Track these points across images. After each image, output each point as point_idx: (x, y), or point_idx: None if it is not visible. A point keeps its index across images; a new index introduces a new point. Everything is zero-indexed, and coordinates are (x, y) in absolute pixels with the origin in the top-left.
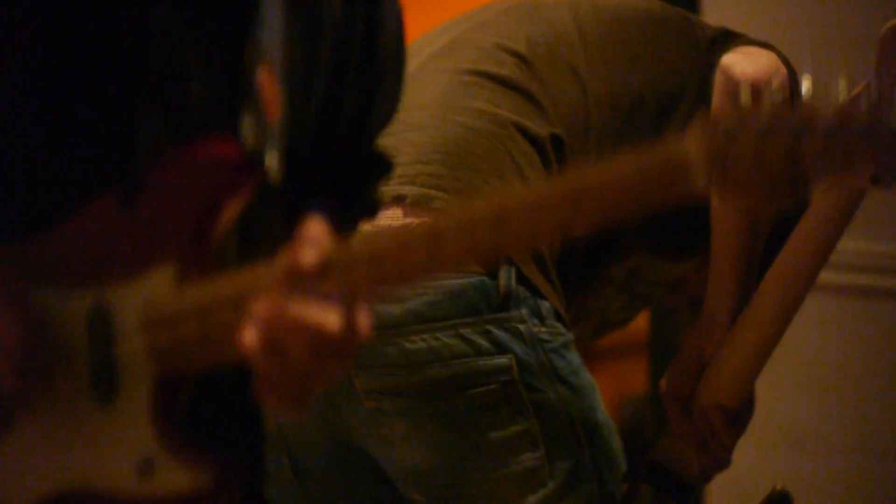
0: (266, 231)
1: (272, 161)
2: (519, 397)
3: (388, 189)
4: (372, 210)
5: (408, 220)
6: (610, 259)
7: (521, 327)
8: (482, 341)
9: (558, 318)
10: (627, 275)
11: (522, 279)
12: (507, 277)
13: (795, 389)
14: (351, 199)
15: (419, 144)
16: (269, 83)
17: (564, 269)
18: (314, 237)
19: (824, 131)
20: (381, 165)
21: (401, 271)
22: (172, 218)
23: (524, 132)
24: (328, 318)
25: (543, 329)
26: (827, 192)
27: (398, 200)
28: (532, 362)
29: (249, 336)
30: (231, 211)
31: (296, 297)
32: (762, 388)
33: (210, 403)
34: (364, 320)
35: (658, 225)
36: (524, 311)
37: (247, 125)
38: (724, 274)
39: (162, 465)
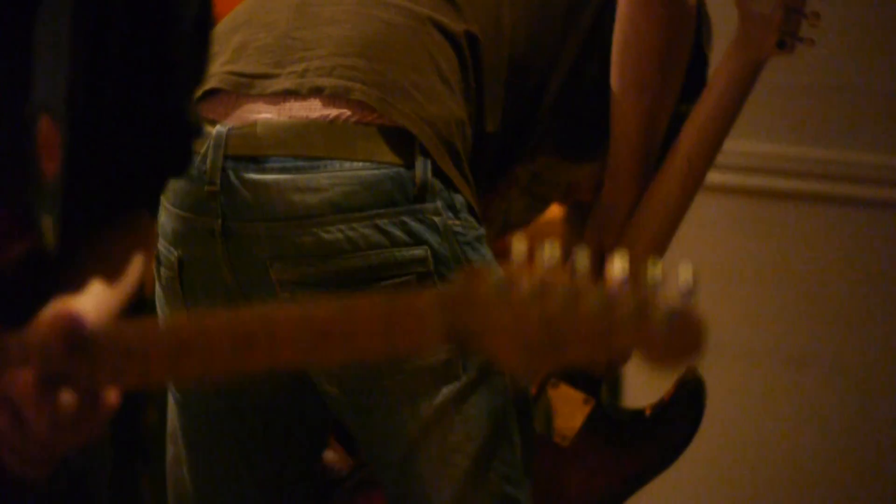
0: (37, 295)
1: (47, 225)
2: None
3: (306, 81)
4: (182, 168)
5: (326, 112)
6: (518, 158)
7: (437, 219)
8: (398, 232)
9: (471, 211)
10: (531, 177)
11: (438, 172)
12: (423, 169)
13: (712, 294)
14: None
15: (336, 37)
16: (49, 135)
17: (475, 166)
18: (72, 313)
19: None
20: (193, 132)
21: (144, 371)
22: None
23: (440, 27)
24: (66, 398)
25: (458, 222)
26: (720, 73)
27: (316, 92)
28: (447, 254)
29: None
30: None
31: (44, 372)
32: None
33: None
34: (110, 400)
35: (565, 127)
36: (439, 204)
37: (22, 189)
38: (622, 169)
39: None
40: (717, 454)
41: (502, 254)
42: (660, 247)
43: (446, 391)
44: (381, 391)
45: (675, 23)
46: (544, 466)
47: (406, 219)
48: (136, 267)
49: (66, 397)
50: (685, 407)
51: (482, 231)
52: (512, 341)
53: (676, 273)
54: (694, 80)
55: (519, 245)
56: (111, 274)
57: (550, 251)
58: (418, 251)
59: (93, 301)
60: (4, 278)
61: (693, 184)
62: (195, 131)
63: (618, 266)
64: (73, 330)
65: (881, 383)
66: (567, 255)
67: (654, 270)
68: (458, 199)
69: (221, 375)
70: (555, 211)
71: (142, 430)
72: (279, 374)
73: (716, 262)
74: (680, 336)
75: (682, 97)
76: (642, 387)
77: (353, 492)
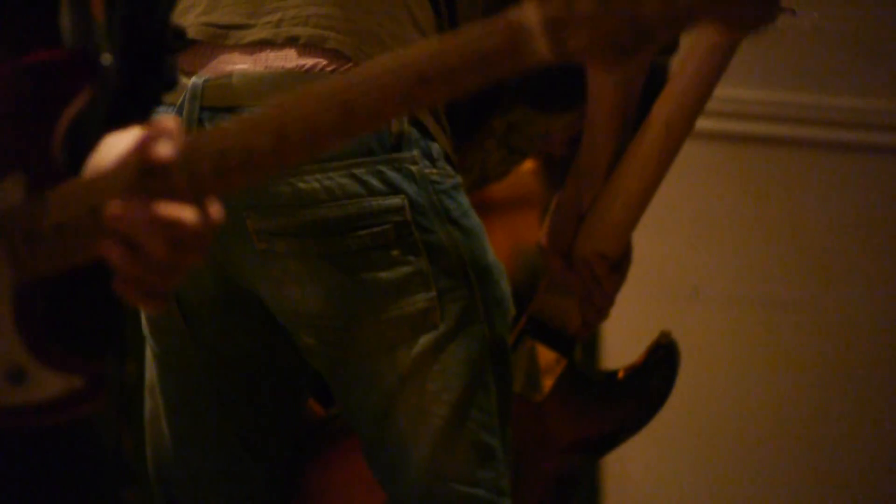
0: (108, 130)
1: (107, 60)
2: (411, 238)
3: (281, 31)
4: (171, 84)
5: (301, 62)
6: (493, 110)
7: (413, 168)
8: (375, 181)
9: (448, 160)
10: (507, 128)
11: (414, 121)
12: (399, 118)
13: (689, 240)
14: (154, 77)
15: None
16: None
17: (452, 116)
18: (163, 130)
19: None
20: (178, 39)
21: (247, 162)
22: (12, 129)
23: None
24: (183, 213)
25: (434, 171)
26: (699, 42)
27: (291, 42)
28: (423, 203)
29: (107, 242)
30: (70, 114)
31: (150, 195)
32: (657, 239)
33: (71, 304)
34: (216, 211)
35: (541, 79)
36: (416, 153)
37: (71, 26)
38: (600, 124)
39: (32, 372)
40: (695, 401)
41: (483, 207)
42: (639, 208)
43: (424, 341)
44: (358, 341)
45: None
46: (520, 420)
47: (383, 168)
48: None
49: (185, 212)
50: (659, 370)
51: (458, 179)
52: (601, 43)
53: None
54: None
55: None
56: None
57: None
58: (395, 200)
59: (170, 121)
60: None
61: (673, 148)
62: (179, 45)
63: None
64: (166, 145)
65: (860, 326)
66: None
67: None
68: (435, 148)
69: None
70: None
71: (121, 387)
72: (257, 326)
73: (693, 207)
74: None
75: (659, 50)
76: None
77: (327, 441)
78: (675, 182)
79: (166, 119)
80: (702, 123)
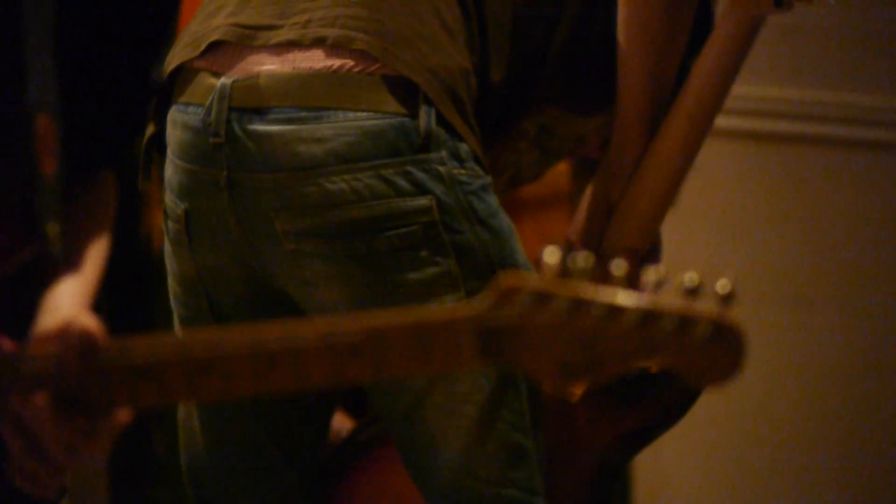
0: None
1: (53, 231)
2: (439, 238)
3: (309, 32)
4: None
5: (329, 63)
6: (524, 111)
7: (441, 169)
8: (402, 182)
9: (477, 160)
10: (539, 129)
11: (442, 120)
12: (427, 118)
13: (715, 239)
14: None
15: None
16: (47, 132)
17: (481, 116)
18: (85, 334)
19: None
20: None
21: (159, 386)
22: None
23: None
24: (79, 421)
25: (463, 171)
26: (721, 27)
27: (319, 42)
28: (451, 204)
29: (8, 428)
30: (7, 272)
31: (63, 398)
32: (681, 239)
33: None
34: (124, 417)
35: (573, 80)
36: (444, 153)
37: (25, 193)
38: (629, 122)
39: None
40: (723, 399)
41: (511, 206)
42: (665, 201)
43: None
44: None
45: None
46: (555, 422)
47: (411, 168)
48: (102, 246)
49: (81, 420)
50: None
51: (488, 180)
52: (548, 360)
53: (714, 280)
54: (700, 34)
55: (549, 259)
56: (85, 252)
57: (584, 261)
58: (423, 201)
59: (79, 287)
60: (10, 285)
61: (696, 140)
62: (152, 92)
63: (653, 275)
64: (87, 350)
65: (887, 323)
66: (574, 209)
67: (691, 277)
68: (464, 148)
69: (242, 395)
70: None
71: None
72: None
73: (719, 206)
74: (721, 352)
75: (688, 51)
76: None
77: (357, 452)
78: (701, 181)
79: (90, 322)
80: (726, 121)
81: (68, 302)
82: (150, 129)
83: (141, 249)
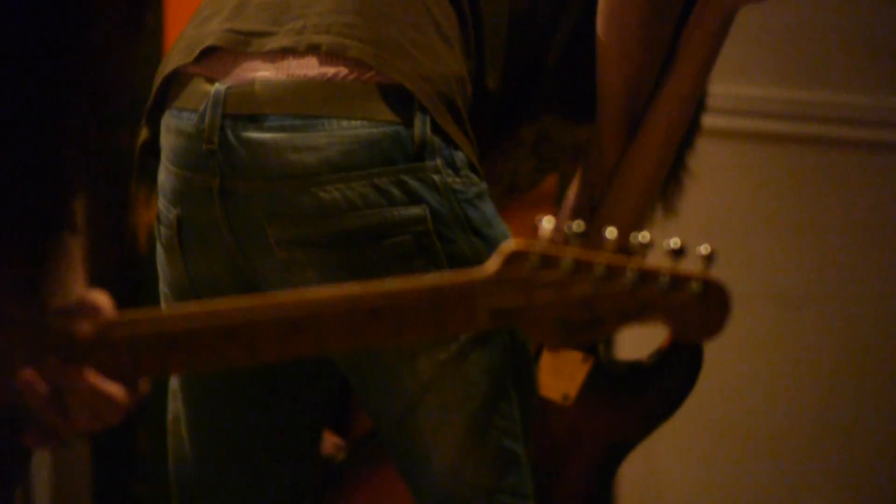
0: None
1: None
2: (433, 248)
3: (303, 39)
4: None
5: (323, 70)
6: (521, 118)
7: (436, 178)
8: (396, 191)
9: (472, 168)
10: (537, 137)
11: (437, 128)
12: (421, 127)
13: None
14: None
15: None
16: None
17: (477, 123)
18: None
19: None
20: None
21: (189, 354)
22: None
23: None
24: (115, 392)
25: (458, 180)
26: (695, 30)
27: (313, 49)
28: (446, 213)
29: (36, 389)
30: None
31: (93, 366)
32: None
33: None
34: (144, 388)
35: (569, 86)
36: (439, 162)
37: None
38: (609, 123)
39: None
40: (714, 398)
41: (508, 215)
42: (647, 199)
43: (445, 350)
44: (378, 349)
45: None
46: (551, 425)
47: (405, 177)
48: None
49: (112, 388)
50: (683, 355)
51: (483, 187)
52: (553, 320)
53: (695, 244)
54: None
55: (547, 224)
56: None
57: (578, 227)
58: (416, 210)
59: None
60: None
61: (675, 137)
62: (97, 150)
63: (640, 239)
64: (111, 323)
65: (877, 324)
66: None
67: (675, 241)
68: (459, 157)
69: (268, 360)
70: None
71: None
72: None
73: (709, 205)
74: (710, 308)
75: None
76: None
77: (349, 472)
78: (692, 179)
79: (100, 297)
80: (716, 120)
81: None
82: (143, 134)
83: (126, 250)
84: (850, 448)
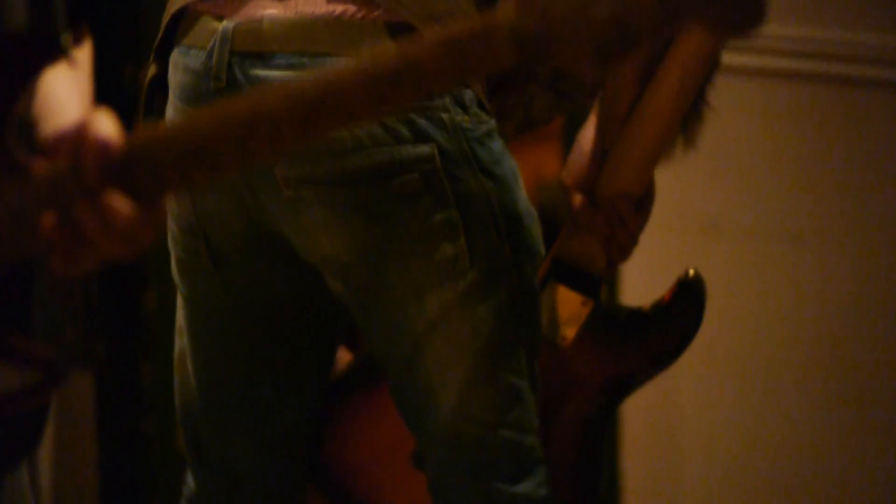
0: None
1: (66, 41)
2: (440, 187)
3: None
4: None
5: (331, 8)
6: None
7: (444, 116)
8: (404, 130)
9: (481, 105)
10: (553, 72)
11: None
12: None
13: (710, 174)
14: None
15: None
16: None
17: None
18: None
19: None
20: None
21: (210, 162)
22: None
23: None
24: (123, 206)
25: (466, 117)
26: None
27: None
28: (454, 151)
29: (49, 218)
30: (30, 94)
31: (92, 183)
32: (676, 174)
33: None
34: (161, 213)
35: None
36: (447, 100)
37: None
38: (623, 67)
39: None
40: (713, 334)
41: (516, 148)
42: (659, 147)
43: (452, 288)
44: (386, 288)
45: None
46: (547, 366)
47: (413, 116)
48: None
49: (120, 202)
50: (686, 305)
51: (492, 125)
52: (583, 46)
53: None
54: None
55: None
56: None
57: None
58: (425, 148)
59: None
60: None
61: (691, 87)
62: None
63: None
64: (105, 159)
65: (879, 258)
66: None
67: None
68: (468, 94)
69: (294, 147)
70: None
71: (140, 317)
72: (286, 269)
73: (713, 142)
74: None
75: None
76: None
77: (355, 387)
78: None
79: (106, 128)
80: (722, 58)
81: (75, 101)
82: (151, 70)
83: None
84: (849, 383)
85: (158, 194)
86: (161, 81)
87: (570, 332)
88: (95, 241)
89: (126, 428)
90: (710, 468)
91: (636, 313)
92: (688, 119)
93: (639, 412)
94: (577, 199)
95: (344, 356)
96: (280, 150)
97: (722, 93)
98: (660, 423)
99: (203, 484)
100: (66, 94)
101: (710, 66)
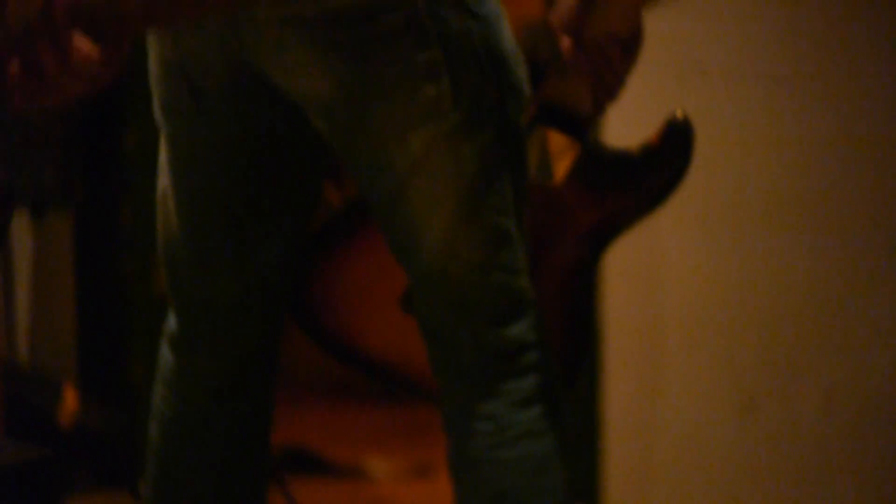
0: None
1: None
2: (423, 27)
3: None
4: None
5: None
6: None
7: None
8: None
9: None
10: None
11: None
12: None
13: (695, 15)
14: None
15: None
16: None
17: None
18: None
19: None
20: None
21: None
22: None
23: None
24: (82, 44)
25: None
26: None
27: None
28: None
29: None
30: None
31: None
32: (661, 14)
33: None
34: (120, 50)
35: None
36: None
37: None
38: None
39: None
40: (697, 175)
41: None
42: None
43: (436, 127)
44: (369, 128)
45: None
46: (534, 209)
47: None
48: None
49: (82, 42)
50: (674, 148)
51: None
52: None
53: None
54: None
55: None
56: None
57: None
58: None
59: None
60: None
61: None
62: None
63: None
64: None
65: (862, 101)
66: None
67: None
68: None
69: None
70: None
71: (120, 156)
72: (268, 107)
73: None
74: None
75: None
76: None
77: (346, 227)
78: None
79: None
80: None
81: None
82: None
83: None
84: (841, 227)
85: (122, 35)
86: None
87: (561, 166)
88: (55, 79)
89: (104, 267)
90: (692, 313)
91: (624, 155)
92: None
93: (622, 251)
94: (564, 40)
95: (331, 194)
96: None
97: None
98: (642, 267)
99: (184, 323)
100: None
101: None
